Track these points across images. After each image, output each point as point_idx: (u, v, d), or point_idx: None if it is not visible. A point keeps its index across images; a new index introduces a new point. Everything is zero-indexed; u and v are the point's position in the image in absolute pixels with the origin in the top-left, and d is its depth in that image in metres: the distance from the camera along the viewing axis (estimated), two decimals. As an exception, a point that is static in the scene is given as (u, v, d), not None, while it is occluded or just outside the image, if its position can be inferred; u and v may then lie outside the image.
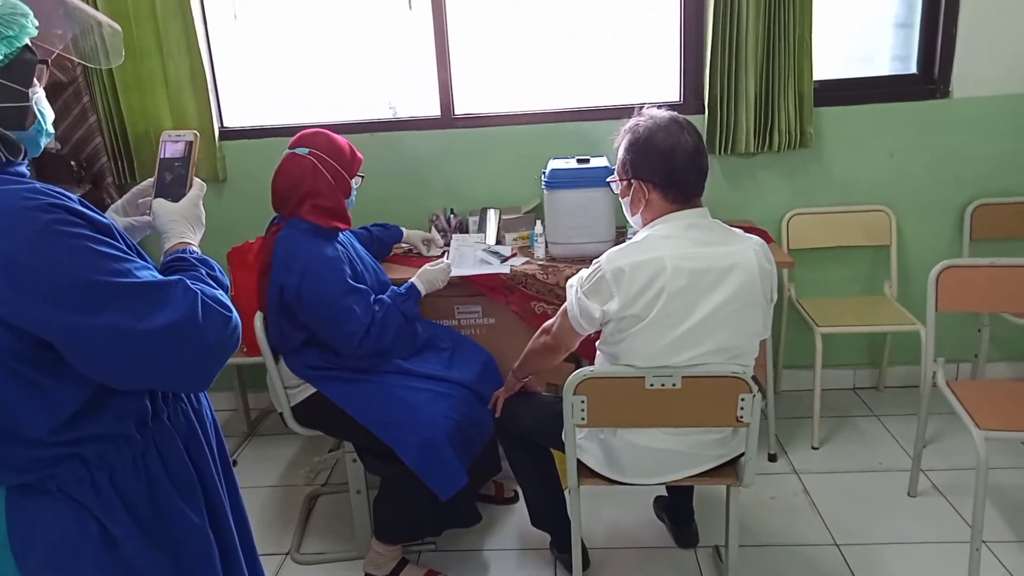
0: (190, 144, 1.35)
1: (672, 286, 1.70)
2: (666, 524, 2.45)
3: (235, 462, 3.03)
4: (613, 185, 1.93)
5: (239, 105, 3.29)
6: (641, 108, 1.89)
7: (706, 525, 2.42)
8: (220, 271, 1.26)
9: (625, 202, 1.90)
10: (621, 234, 2.81)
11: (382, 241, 2.75)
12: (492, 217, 3.00)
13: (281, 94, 3.29)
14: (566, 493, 2.17)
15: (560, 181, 2.67)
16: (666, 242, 1.75)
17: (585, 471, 1.94)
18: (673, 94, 3.14)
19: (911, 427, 2.97)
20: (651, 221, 1.83)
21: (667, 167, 1.78)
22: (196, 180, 1.35)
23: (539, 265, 2.67)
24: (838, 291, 3.22)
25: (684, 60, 3.08)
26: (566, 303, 1.90)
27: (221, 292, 1.18)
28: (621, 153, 1.87)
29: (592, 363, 2.60)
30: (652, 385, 1.74)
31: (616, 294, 1.74)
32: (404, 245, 2.89)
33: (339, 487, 2.78)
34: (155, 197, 1.32)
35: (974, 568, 2.13)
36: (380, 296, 2.26)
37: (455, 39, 3.10)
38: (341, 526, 2.57)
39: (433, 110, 3.17)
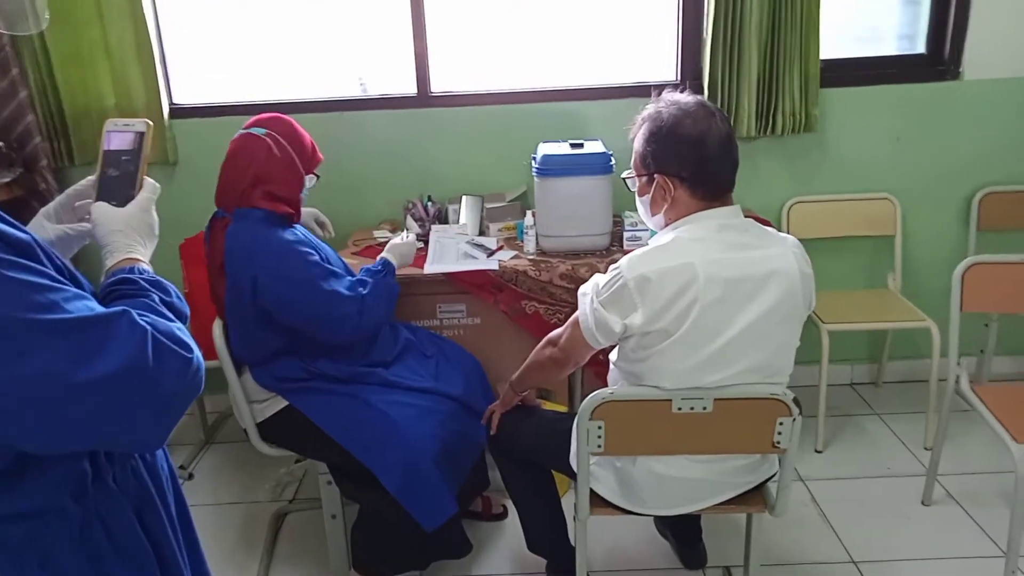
0: (141, 135, 1.09)
1: (705, 297, 1.48)
2: (671, 543, 2.26)
3: (191, 475, 2.76)
4: (630, 182, 1.70)
5: (191, 80, 2.97)
6: (660, 92, 1.66)
7: (713, 543, 2.24)
8: (178, 296, 1.01)
9: (644, 201, 1.66)
10: (617, 224, 2.58)
11: None
12: (473, 205, 2.74)
13: (238, 68, 2.97)
14: (568, 516, 1.97)
15: (553, 168, 2.43)
16: (696, 245, 1.53)
17: (597, 500, 1.72)
18: (670, 73, 2.91)
19: (914, 426, 2.85)
20: (675, 221, 1.61)
21: (697, 158, 1.56)
22: (147, 180, 1.09)
23: (530, 260, 2.44)
24: (840, 284, 3.04)
25: (682, 37, 2.85)
26: (577, 313, 1.67)
27: (179, 325, 0.93)
28: (640, 145, 1.64)
29: (594, 374, 2.40)
30: (680, 409, 1.53)
31: (640, 305, 1.51)
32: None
33: (310, 503, 2.53)
34: (96, 200, 1.06)
35: (1008, 592, 1.99)
36: (357, 277, 2.05)
37: (432, 9, 2.82)
38: (314, 549, 2.32)
39: (408, 88, 2.90)
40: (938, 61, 2.88)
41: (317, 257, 1.95)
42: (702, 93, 2.78)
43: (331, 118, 2.86)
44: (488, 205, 2.74)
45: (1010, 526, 1.95)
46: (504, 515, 2.41)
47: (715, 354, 1.51)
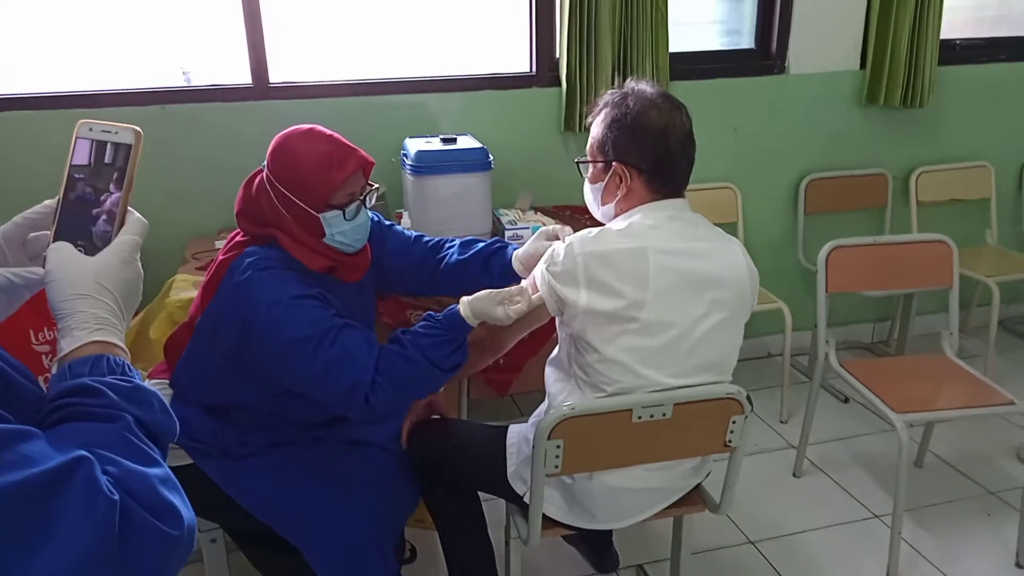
0: (127, 149, 0.77)
1: (656, 283, 1.42)
2: (582, 550, 2.19)
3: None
4: (583, 167, 1.60)
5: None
6: (624, 81, 1.60)
7: (623, 543, 2.20)
8: (162, 407, 0.72)
9: (596, 188, 1.58)
10: (496, 221, 2.46)
11: (486, 274, 1.73)
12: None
13: (39, 53, 2.47)
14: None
15: (429, 165, 2.26)
16: (650, 232, 1.47)
17: (544, 521, 1.60)
18: (523, 64, 2.83)
19: (765, 401, 3.00)
20: (626, 211, 1.53)
21: (659, 151, 1.50)
22: (132, 215, 0.78)
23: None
24: (690, 271, 3.15)
25: (535, 25, 2.77)
26: (527, 281, 1.55)
27: (162, 473, 0.66)
28: (600, 130, 1.54)
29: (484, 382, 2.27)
30: (640, 418, 1.45)
31: (585, 284, 1.42)
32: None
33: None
34: (55, 238, 0.75)
35: (894, 558, 2.13)
36: (395, 333, 1.52)
37: (266, -10, 2.52)
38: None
39: (243, 78, 2.57)
40: (766, 56, 3.05)
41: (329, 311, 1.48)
42: (559, 85, 2.74)
43: (151, 112, 2.47)
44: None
45: (896, 491, 2.09)
46: (413, 558, 2.18)
47: (668, 346, 1.45)
